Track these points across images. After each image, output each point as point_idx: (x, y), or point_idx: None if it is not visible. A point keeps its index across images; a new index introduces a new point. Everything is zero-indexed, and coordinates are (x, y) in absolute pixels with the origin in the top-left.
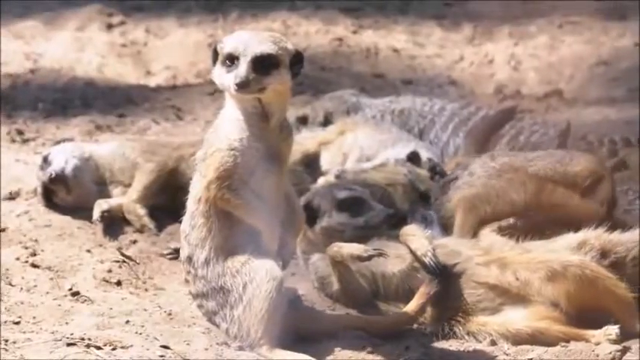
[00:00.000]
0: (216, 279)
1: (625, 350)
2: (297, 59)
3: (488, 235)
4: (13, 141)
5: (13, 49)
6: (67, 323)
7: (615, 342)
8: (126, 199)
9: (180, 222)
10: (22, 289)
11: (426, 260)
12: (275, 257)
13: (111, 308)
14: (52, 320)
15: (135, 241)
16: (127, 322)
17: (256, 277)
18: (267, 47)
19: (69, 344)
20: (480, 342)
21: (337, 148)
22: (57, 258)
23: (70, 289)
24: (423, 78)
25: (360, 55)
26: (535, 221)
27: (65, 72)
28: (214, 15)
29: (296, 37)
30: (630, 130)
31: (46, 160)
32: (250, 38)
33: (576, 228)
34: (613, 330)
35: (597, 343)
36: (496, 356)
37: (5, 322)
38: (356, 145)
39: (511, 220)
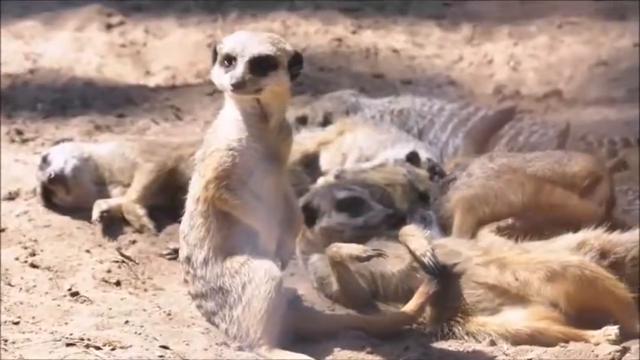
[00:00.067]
0: (215, 279)
1: (624, 351)
2: (296, 60)
3: (488, 236)
4: (13, 141)
5: (12, 49)
6: (66, 323)
7: (615, 342)
8: (125, 199)
9: (180, 222)
10: (21, 289)
11: (425, 260)
12: (274, 257)
13: (110, 308)
14: (52, 320)
15: (134, 242)
16: (127, 322)
17: (255, 277)
18: (264, 48)
19: (68, 344)
20: (480, 342)
21: (336, 148)
22: (56, 258)
23: (70, 290)
24: (423, 78)
25: (359, 55)
26: (534, 222)
27: (64, 72)
28: (214, 15)
29: (295, 38)
30: (630, 131)
31: (45, 160)
32: (249, 39)
33: (575, 228)
34: (612, 330)
35: (597, 344)
36: (495, 356)
37: (5, 322)
38: (355, 145)
39: (510, 221)
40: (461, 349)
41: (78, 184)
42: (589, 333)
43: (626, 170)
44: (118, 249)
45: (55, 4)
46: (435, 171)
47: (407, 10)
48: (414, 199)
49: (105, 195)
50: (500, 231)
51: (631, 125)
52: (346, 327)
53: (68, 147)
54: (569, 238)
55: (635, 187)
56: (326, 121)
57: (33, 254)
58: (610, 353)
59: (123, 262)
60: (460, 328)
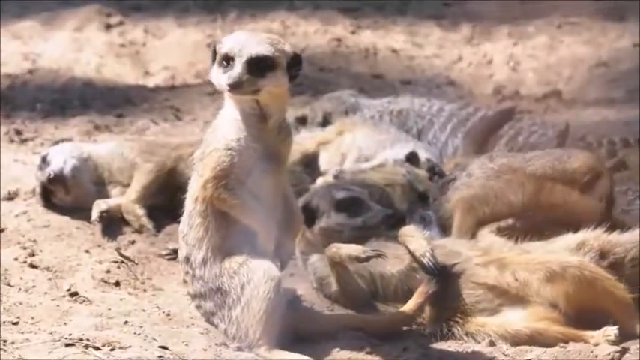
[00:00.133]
0: (213, 279)
1: (624, 351)
2: (294, 61)
3: (487, 236)
4: (12, 141)
5: (11, 49)
6: (65, 323)
7: (614, 343)
8: (124, 199)
9: (179, 222)
10: (20, 289)
11: (425, 261)
12: (272, 257)
13: (109, 309)
14: (51, 320)
15: (133, 242)
16: (126, 322)
17: (254, 277)
18: (262, 49)
19: (67, 344)
20: (479, 342)
21: (336, 148)
22: (55, 258)
23: (69, 290)
24: (422, 78)
25: (358, 55)
26: (534, 222)
27: (64, 72)
28: (213, 15)
29: (295, 38)
30: (629, 131)
31: (44, 160)
32: (247, 39)
33: (575, 228)
34: (612, 331)
35: (596, 344)
36: (495, 357)
37: (4, 322)
38: (354, 145)
39: (510, 221)
40: (460, 350)
41: (77, 184)
42: (588, 333)
43: (626, 170)
44: (118, 249)
45: (54, 4)
46: (434, 171)
47: (406, 10)
48: (414, 200)
49: (104, 195)
50: (500, 231)
51: (630, 126)
52: (345, 327)
53: (67, 147)
54: (569, 239)
55: (635, 188)
56: (325, 122)
57: (32, 254)
58: (609, 354)
59: (122, 262)
60: (459, 329)
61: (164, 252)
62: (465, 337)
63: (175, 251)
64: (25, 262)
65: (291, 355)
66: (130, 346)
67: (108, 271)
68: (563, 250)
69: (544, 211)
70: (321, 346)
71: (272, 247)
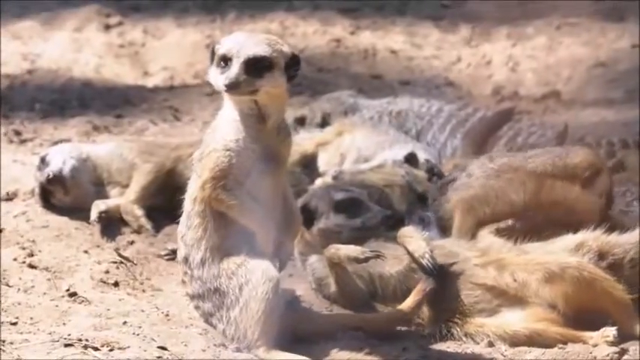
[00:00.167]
0: (212, 280)
1: (623, 352)
2: (293, 62)
3: (487, 237)
4: (11, 141)
5: (10, 49)
6: (64, 324)
7: (613, 344)
8: (123, 199)
9: (178, 223)
10: (19, 289)
11: (424, 262)
12: (271, 258)
13: (108, 309)
14: (50, 321)
15: (132, 242)
16: (125, 323)
17: (252, 278)
18: (260, 49)
19: (66, 345)
20: (478, 343)
21: (335, 149)
22: (54, 259)
23: (68, 290)
24: (421, 79)
25: (357, 56)
26: (533, 223)
27: (63, 72)
28: (212, 15)
29: (294, 38)
30: (628, 132)
31: (43, 160)
32: (245, 40)
33: (575, 228)
34: (611, 332)
35: (595, 345)
36: (494, 358)
37: (3, 322)
38: (353, 146)
39: (509, 222)
40: (459, 350)
41: (76, 184)
42: (587, 334)
43: (624, 171)
44: (116, 250)
45: (54, 4)
46: (433, 172)
47: (405, 10)
48: (413, 200)
49: (103, 195)
50: (499, 232)
51: (629, 126)
52: (344, 326)
53: (66, 147)
54: (568, 240)
55: (633, 189)
56: (324, 122)
57: (31, 255)
58: (608, 355)
59: (121, 262)
60: (458, 330)
61: (163, 252)
62: (464, 338)
63: (174, 252)
64: (24, 262)
65: (290, 356)
66: (128, 347)
67: (107, 272)
68: (562, 251)
69: (545, 210)
70: (319, 346)
71: (271, 247)
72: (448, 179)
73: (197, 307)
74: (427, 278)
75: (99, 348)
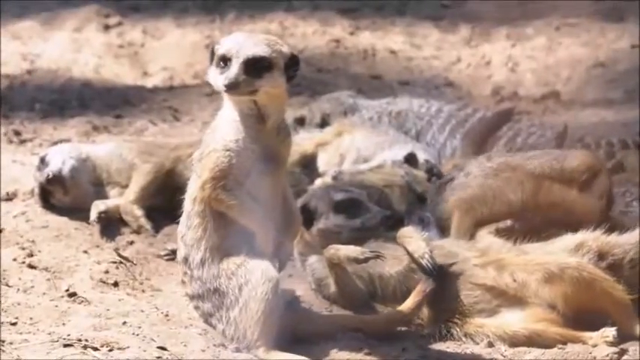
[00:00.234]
0: (211, 280)
1: (622, 352)
2: (292, 62)
3: (486, 237)
4: (11, 142)
5: (10, 49)
6: (64, 324)
7: (612, 344)
8: (123, 200)
9: (178, 223)
10: (19, 290)
11: (424, 262)
12: (271, 258)
13: (108, 309)
14: (49, 321)
15: (132, 242)
16: (124, 323)
17: (252, 278)
18: (259, 49)
19: (66, 345)
20: (477, 344)
21: (334, 149)
22: (54, 259)
23: (67, 290)
24: (420, 79)
25: (357, 56)
26: (532, 223)
27: (62, 73)
28: (211, 16)
29: (293, 39)
30: (627, 132)
31: (43, 161)
32: (245, 40)
33: (574, 229)
34: (610, 332)
35: (594, 345)
36: (493, 358)
37: (2, 322)
38: (353, 146)
39: (508, 222)
40: (459, 351)
41: (76, 184)
42: (587, 335)
43: (624, 172)
44: (116, 250)
45: (54, 4)
46: (432, 172)
47: (405, 11)
48: (412, 201)
49: (103, 196)
50: (498, 232)
51: (629, 127)
52: (343, 327)
53: (66, 148)
54: (568, 240)
55: (633, 189)
56: (324, 123)
57: (31, 255)
58: (608, 355)
59: (121, 262)
60: (458, 330)
61: (162, 253)
62: (464, 338)
63: (174, 252)
64: (23, 262)
65: (290, 356)
66: (128, 347)
67: (106, 272)
68: (562, 251)
69: (543, 211)
70: (319, 347)
71: (270, 248)
72: (446, 179)
73: (197, 308)
74: (427, 279)
75: (98, 348)
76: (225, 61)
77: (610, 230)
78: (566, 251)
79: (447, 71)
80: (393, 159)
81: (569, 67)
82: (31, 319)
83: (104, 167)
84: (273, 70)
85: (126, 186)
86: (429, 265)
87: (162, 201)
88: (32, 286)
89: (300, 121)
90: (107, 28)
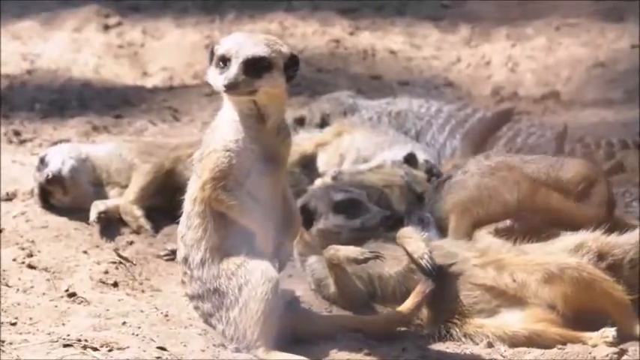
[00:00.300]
0: (211, 280)
1: (622, 352)
2: (292, 62)
3: (486, 237)
4: (10, 142)
5: (10, 49)
6: (63, 324)
7: (612, 344)
8: (123, 200)
9: (177, 223)
10: (18, 290)
11: (423, 262)
12: (271, 258)
13: (107, 309)
14: (49, 321)
15: (131, 242)
16: (124, 323)
17: (252, 278)
18: (259, 50)
19: (65, 345)
20: (477, 344)
21: (334, 149)
22: (54, 259)
23: (67, 291)
24: (420, 79)
25: (356, 56)
26: (532, 223)
27: (62, 73)
28: (211, 16)
29: (293, 39)
30: (627, 132)
31: (42, 161)
32: (244, 40)
33: (574, 229)
34: (610, 332)
35: (594, 346)
36: (493, 358)
37: (2, 323)
38: (353, 146)
39: (508, 222)
40: (458, 351)
41: (75, 184)
42: (586, 335)
43: (624, 172)
44: (116, 250)
45: (53, 4)
46: (432, 172)
47: (404, 11)
48: (412, 201)
49: (102, 196)
50: (498, 233)
51: (628, 127)
52: (343, 328)
53: (66, 148)
54: (567, 240)
55: (633, 189)
56: (323, 123)
57: (30, 255)
58: (607, 355)
59: (120, 263)
60: (457, 330)
61: (162, 253)
62: (463, 339)
63: (174, 252)
64: (23, 262)
65: (289, 357)
66: (127, 347)
67: (106, 272)
68: (562, 251)
69: (540, 213)
70: (319, 347)
71: (270, 248)
72: (444, 178)
73: (196, 308)
74: (426, 279)
75: (98, 348)
76: (224, 61)
77: (610, 230)
78: (566, 251)
79: (446, 71)
80: (393, 159)
81: (569, 67)
82: (30, 319)
83: (104, 167)
84: (272, 70)
85: (125, 186)
86: (428, 265)
87: (162, 201)
88: (32, 287)
89: (300, 121)
90: (107, 28)
